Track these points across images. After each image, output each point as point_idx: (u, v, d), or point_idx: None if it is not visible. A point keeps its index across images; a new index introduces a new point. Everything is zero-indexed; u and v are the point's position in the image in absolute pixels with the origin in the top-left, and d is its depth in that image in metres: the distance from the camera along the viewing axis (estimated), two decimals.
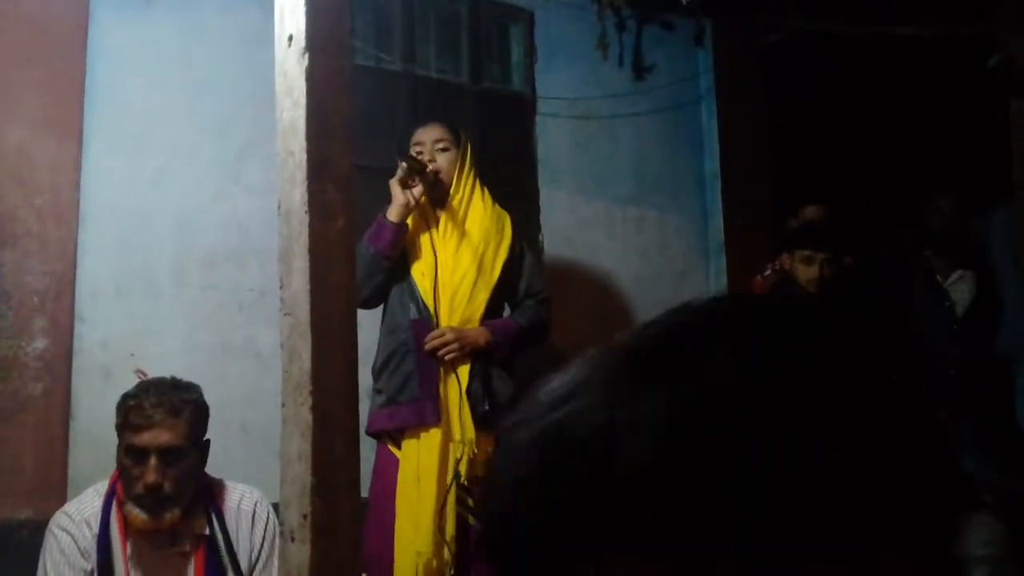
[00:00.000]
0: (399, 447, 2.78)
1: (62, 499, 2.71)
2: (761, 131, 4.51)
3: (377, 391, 2.82)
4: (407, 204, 2.77)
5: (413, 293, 2.83)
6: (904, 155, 4.54)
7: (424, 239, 2.86)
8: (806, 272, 3.53)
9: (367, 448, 2.25)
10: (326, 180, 1.54)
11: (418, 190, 2.78)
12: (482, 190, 2.96)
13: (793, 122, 4.59)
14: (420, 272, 2.84)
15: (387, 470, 2.77)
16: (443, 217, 2.88)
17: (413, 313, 2.81)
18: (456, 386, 2.77)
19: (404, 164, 2.78)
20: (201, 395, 2.23)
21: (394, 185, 2.80)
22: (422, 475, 2.71)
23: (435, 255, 2.83)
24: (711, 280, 4.42)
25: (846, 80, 4.69)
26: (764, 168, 4.47)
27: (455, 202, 2.89)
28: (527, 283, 3.00)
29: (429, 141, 2.89)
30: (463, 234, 2.87)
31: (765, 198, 4.42)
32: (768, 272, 4.03)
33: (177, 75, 3.27)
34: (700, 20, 4.44)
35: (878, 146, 4.70)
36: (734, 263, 4.27)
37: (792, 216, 4.09)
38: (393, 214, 2.77)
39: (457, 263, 2.84)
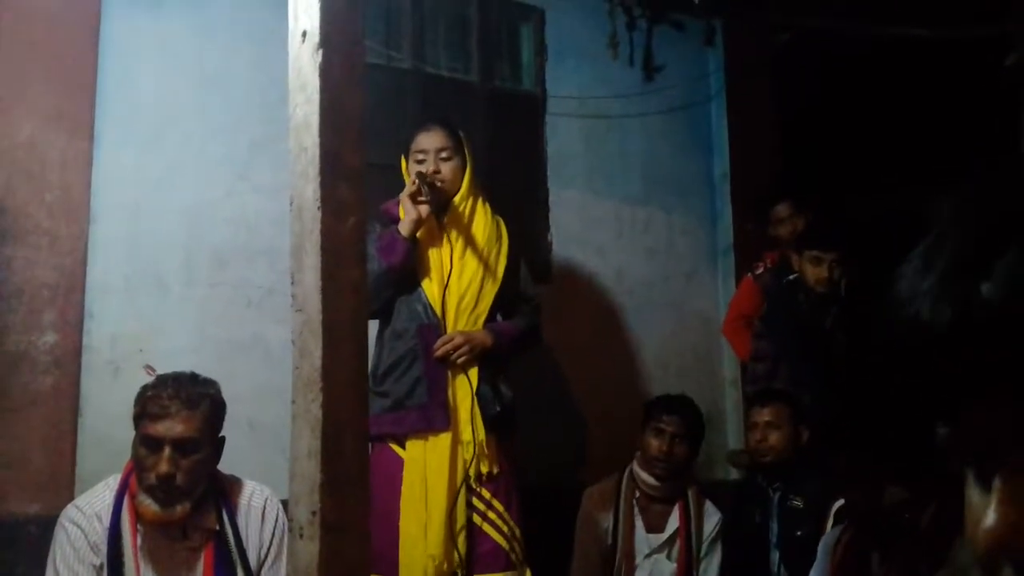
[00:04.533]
0: (403, 447, 2.77)
1: (70, 494, 2.71)
2: (771, 132, 4.50)
3: (381, 394, 2.79)
4: (418, 219, 2.78)
5: (420, 299, 2.83)
6: (915, 156, 4.52)
7: (430, 246, 2.87)
8: (815, 272, 3.53)
9: None
10: (339, 176, 1.53)
11: (426, 208, 2.79)
12: (483, 198, 2.96)
13: (803, 123, 4.58)
14: (427, 278, 2.84)
15: (389, 469, 2.75)
16: (447, 224, 2.88)
17: (421, 318, 2.81)
18: (466, 389, 2.77)
19: (415, 181, 2.78)
20: (219, 392, 2.24)
21: (405, 200, 2.79)
22: (430, 477, 2.71)
23: (443, 262, 2.84)
24: (719, 281, 4.41)
25: (856, 81, 4.68)
26: (773, 169, 4.46)
27: (459, 209, 2.89)
28: (522, 289, 3.02)
29: (432, 149, 2.88)
30: (468, 240, 2.88)
31: (774, 199, 4.40)
32: (760, 270, 4.01)
33: (188, 72, 3.28)
34: (711, 20, 4.44)
35: (888, 147, 4.68)
36: (742, 264, 4.26)
37: (768, 218, 4.08)
38: (405, 229, 2.78)
39: (463, 269, 2.85)
